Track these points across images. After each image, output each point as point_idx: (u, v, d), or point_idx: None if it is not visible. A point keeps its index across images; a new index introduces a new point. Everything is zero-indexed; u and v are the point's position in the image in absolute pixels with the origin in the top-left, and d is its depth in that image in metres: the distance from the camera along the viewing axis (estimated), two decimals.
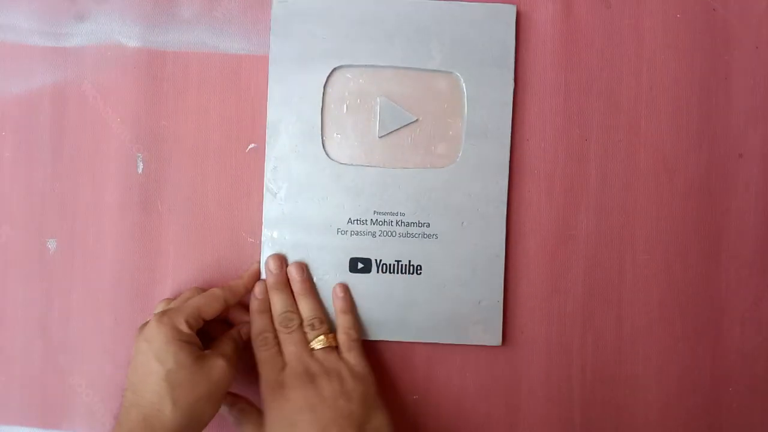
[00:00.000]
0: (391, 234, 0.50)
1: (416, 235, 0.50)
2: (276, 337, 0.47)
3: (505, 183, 0.50)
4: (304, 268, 0.49)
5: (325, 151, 0.50)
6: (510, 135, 0.50)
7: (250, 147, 0.51)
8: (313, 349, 0.47)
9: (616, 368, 0.51)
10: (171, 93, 0.51)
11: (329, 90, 0.50)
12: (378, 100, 0.50)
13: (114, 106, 0.51)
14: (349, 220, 0.50)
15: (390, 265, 0.50)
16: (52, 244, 0.51)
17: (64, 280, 0.51)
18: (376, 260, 0.50)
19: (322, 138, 0.50)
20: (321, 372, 0.45)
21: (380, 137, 0.50)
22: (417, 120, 0.50)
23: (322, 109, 0.50)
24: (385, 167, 0.50)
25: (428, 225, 0.50)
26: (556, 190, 0.51)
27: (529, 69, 0.50)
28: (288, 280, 0.49)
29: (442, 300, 0.50)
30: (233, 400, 0.48)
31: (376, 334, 0.50)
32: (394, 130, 0.50)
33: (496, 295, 0.50)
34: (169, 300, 0.49)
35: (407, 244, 0.50)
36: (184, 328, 0.44)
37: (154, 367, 0.42)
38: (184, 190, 0.51)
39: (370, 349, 0.51)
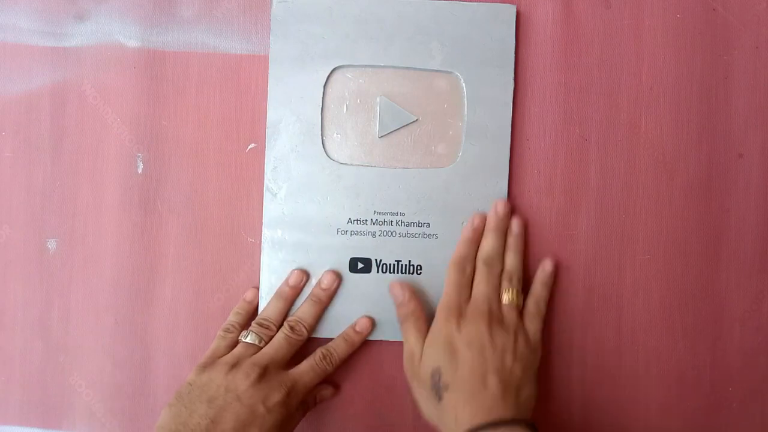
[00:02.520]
0: (391, 234, 0.50)
1: (416, 235, 0.50)
2: (473, 270, 0.48)
3: (505, 183, 0.50)
4: (523, 226, 0.50)
5: (325, 151, 0.50)
6: (510, 135, 0.50)
7: (250, 147, 0.51)
8: (501, 299, 0.47)
9: (616, 368, 0.51)
10: (171, 93, 0.51)
11: (329, 90, 0.50)
12: (378, 100, 0.50)
13: (114, 106, 0.51)
14: (349, 220, 0.50)
15: (390, 265, 0.50)
16: (52, 244, 0.51)
17: (64, 280, 0.51)
18: (376, 260, 0.50)
19: (322, 138, 0.50)
20: (501, 322, 0.46)
21: (380, 137, 0.50)
22: (417, 120, 0.50)
23: (322, 109, 0.50)
24: (385, 167, 0.50)
25: (428, 225, 0.50)
26: (556, 190, 0.51)
27: (529, 69, 0.50)
28: (507, 227, 0.49)
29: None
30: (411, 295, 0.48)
31: (376, 334, 0.50)
32: (394, 130, 0.50)
33: None
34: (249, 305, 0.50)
35: (407, 244, 0.50)
36: (300, 413, 0.47)
37: (257, 417, 0.43)
38: (184, 190, 0.51)
39: (371, 349, 0.51)
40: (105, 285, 0.51)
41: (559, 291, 0.51)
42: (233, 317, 0.49)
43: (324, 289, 0.49)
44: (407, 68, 0.50)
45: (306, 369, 0.47)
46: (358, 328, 0.49)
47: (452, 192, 0.50)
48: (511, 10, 0.50)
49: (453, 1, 0.50)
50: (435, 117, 0.50)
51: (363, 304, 0.50)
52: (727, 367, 0.51)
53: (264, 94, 0.50)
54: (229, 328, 0.48)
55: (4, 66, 0.51)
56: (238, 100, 0.51)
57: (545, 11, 0.50)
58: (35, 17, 0.51)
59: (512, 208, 0.50)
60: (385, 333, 0.50)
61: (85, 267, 0.51)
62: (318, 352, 0.48)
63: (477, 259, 0.48)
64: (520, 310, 0.48)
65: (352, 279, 0.50)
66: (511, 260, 0.49)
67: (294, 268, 0.49)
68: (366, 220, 0.50)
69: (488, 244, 0.48)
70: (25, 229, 0.51)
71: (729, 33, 0.50)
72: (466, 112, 0.50)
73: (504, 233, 0.49)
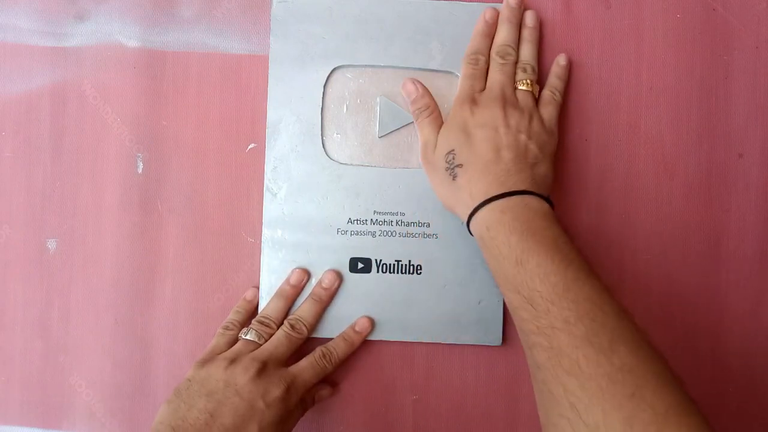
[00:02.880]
0: (391, 234, 0.50)
1: (416, 235, 0.50)
2: (487, 63, 0.48)
3: None
4: (538, 20, 0.49)
5: (325, 151, 0.50)
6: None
7: (250, 147, 0.51)
8: (516, 87, 0.47)
9: None
10: (171, 93, 0.51)
11: (329, 90, 0.50)
12: (378, 100, 0.50)
13: (114, 106, 0.51)
14: (349, 220, 0.50)
15: (390, 265, 0.50)
16: (52, 244, 0.51)
17: (64, 280, 0.51)
18: (376, 260, 0.50)
19: (322, 138, 0.50)
20: (515, 105, 0.46)
21: (380, 137, 0.50)
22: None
23: (322, 109, 0.50)
24: (385, 167, 0.50)
25: (428, 225, 0.50)
26: (556, 190, 0.51)
27: None
28: (520, 18, 0.49)
29: (442, 300, 0.50)
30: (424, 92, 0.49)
31: (376, 334, 0.50)
32: (394, 130, 0.50)
33: (496, 295, 0.50)
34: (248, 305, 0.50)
35: (407, 244, 0.50)
36: (299, 411, 0.47)
37: (256, 413, 0.43)
38: (184, 190, 0.51)
39: (370, 349, 0.51)
40: (105, 285, 0.51)
41: None
42: (233, 315, 0.49)
43: (325, 288, 0.49)
44: (407, 68, 0.50)
45: (305, 366, 0.47)
46: (357, 328, 0.49)
47: None
48: None
49: (453, 1, 0.50)
50: None
51: (363, 304, 0.50)
52: (727, 367, 0.51)
53: (264, 94, 0.50)
54: (228, 326, 0.48)
55: (4, 66, 0.51)
56: (238, 100, 0.51)
57: (545, 11, 0.50)
58: (35, 17, 0.51)
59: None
60: (384, 333, 0.50)
61: (85, 267, 0.51)
62: (318, 351, 0.48)
63: (491, 51, 0.48)
64: (536, 98, 0.48)
65: (352, 279, 0.50)
66: (527, 51, 0.49)
67: (294, 267, 0.49)
68: (366, 220, 0.50)
69: (502, 35, 0.48)
70: (25, 229, 0.51)
71: (729, 33, 0.50)
72: None
73: (518, 25, 0.49)
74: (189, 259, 0.51)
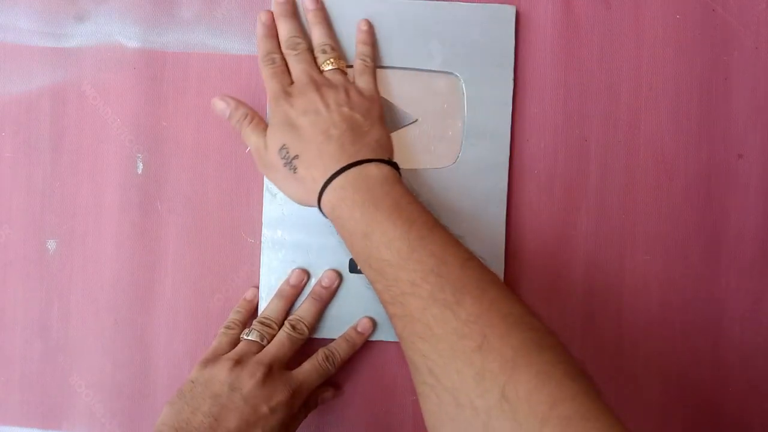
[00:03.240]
0: None
1: None
2: (283, 59, 0.47)
3: (505, 183, 0.50)
4: (319, 1, 0.49)
5: None
6: (510, 135, 0.50)
7: (250, 147, 0.51)
8: (322, 70, 0.47)
9: (616, 368, 0.51)
10: (171, 93, 0.51)
11: None
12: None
13: (114, 106, 0.51)
14: None
15: None
16: (52, 244, 0.51)
17: (64, 280, 0.51)
18: None
19: None
20: (328, 84, 0.46)
21: None
22: (417, 120, 0.50)
23: None
24: None
25: None
26: (556, 190, 0.51)
27: (529, 69, 0.50)
28: (295, 9, 0.49)
29: None
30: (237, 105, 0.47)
31: (376, 334, 0.50)
32: (394, 130, 0.50)
33: None
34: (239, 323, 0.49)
35: None
36: (303, 415, 0.48)
37: (260, 418, 0.43)
38: (184, 190, 0.51)
39: (371, 349, 0.51)
40: (105, 285, 0.51)
41: (559, 291, 0.51)
42: (234, 315, 0.49)
43: (325, 288, 0.49)
44: (407, 68, 0.50)
45: (309, 370, 0.47)
46: (359, 329, 0.49)
47: (452, 192, 0.50)
48: (511, 10, 0.50)
49: (453, 1, 0.50)
50: (435, 117, 0.50)
51: (363, 304, 0.50)
52: (727, 367, 0.51)
53: (264, 94, 0.50)
54: (230, 326, 0.48)
55: (4, 66, 0.51)
56: None
57: (545, 11, 0.50)
58: (35, 17, 0.51)
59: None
60: (385, 334, 0.50)
61: (85, 267, 0.51)
62: (320, 353, 0.48)
63: (282, 47, 0.48)
64: (345, 72, 0.48)
65: (351, 279, 0.50)
66: (317, 33, 0.48)
67: (294, 268, 0.49)
68: None
69: (282, 29, 0.48)
70: (25, 229, 0.51)
71: (729, 33, 0.51)
72: (466, 112, 0.50)
73: (294, 15, 0.48)
74: (189, 259, 0.51)
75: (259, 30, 0.48)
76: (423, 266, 0.37)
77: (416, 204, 0.41)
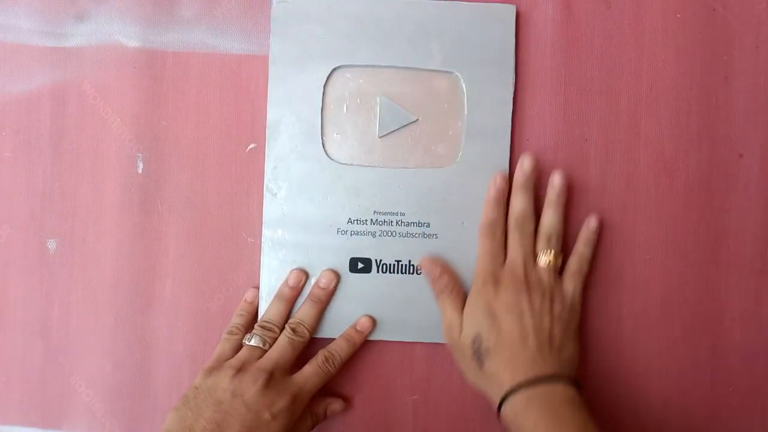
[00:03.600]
0: (391, 234, 0.50)
1: (416, 235, 0.50)
2: (504, 232, 0.48)
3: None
4: (565, 182, 0.48)
5: (325, 151, 0.50)
6: (510, 135, 0.50)
7: (250, 147, 0.51)
8: (537, 263, 0.47)
9: (616, 368, 0.51)
10: (171, 93, 0.51)
11: (329, 90, 0.50)
12: (378, 100, 0.50)
13: (114, 106, 0.51)
14: (349, 220, 0.50)
15: (390, 265, 0.50)
16: (52, 244, 0.51)
17: (64, 280, 0.51)
18: (376, 260, 0.50)
19: (322, 138, 0.50)
20: (537, 286, 0.46)
21: (380, 137, 0.50)
22: (417, 120, 0.50)
23: (322, 109, 0.50)
24: (385, 167, 0.50)
25: (428, 225, 0.50)
26: None
27: (529, 69, 0.50)
28: (533, 183, 0.48)
29: None
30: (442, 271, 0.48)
31: (376, 334, 0.50)
32: (394, 130, 0.50)
33: None
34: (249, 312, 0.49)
35: (407, 244, 0.50)
36: (308, 423, 0.48)
37: (261, 423, 0.43)
38: (184, 190, 0.51)
39: (371, 349, 0.51)
40: (105, 285, 0.51)
41: None
42: (236, 319, 0.49)
43: (323, 289, 0.49)
44: (407, 68, 0.50)
45: (310, 373, 0.47)
46: (359, 328, 0.49)
47: (452, 192, 0.50)
48: (511, 10, 0.50)
49: (453, 1, 0.50)
50: (435, 117, 0.50)
51: (363, 304, 0.50)
52: (727, 367, 0.51)
53: (264, 94, 0.50)
54: (233, 331, 0.48)
55: (4, 66, 0.51)
56: (238, 100, 0.51)
57: (545, 11, 0.50)
58: (35, 17, 0.51)
59: (538, 162, 0.48)
60: (385, 333, 0.50)
61: (85, 267, 0.51)
62: (320, 355, 0.48)
63: (508, 221, 0.48)
64: (560, 270, 0.48)
65: (352, 279, 0.50)
66: (550, 218, 0.48)
67: (294, 268, 0.49)
68: (366, 220, 0.50)
69: (517, 204, 0.48)
70: (25, 229, 0.51)
71: (729, 33, 0.50)
72: (466, 112, 0.50)
73: (532, 190, 0.48)
74: (189, 259, 0.51)
75: (491, 193, 0.48)
76: None
77: (600, 430, 0.42)
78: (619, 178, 0.51)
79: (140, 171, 0.51)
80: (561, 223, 0.48)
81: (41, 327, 0.51)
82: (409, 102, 0.50)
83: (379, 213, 0.50)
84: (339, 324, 0.50)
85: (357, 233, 0.50)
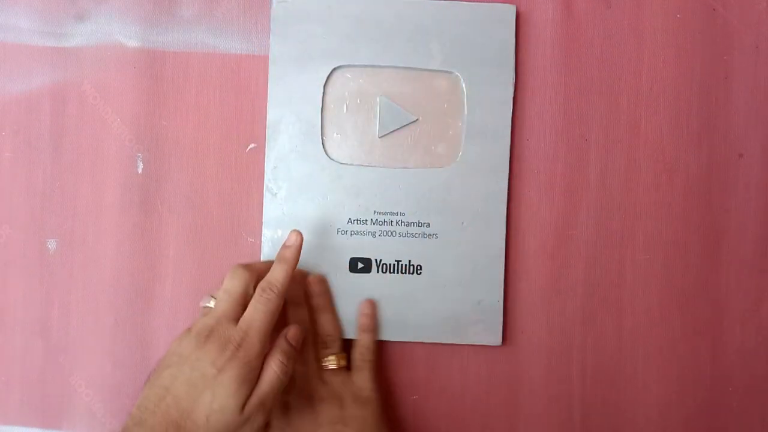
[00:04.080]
0: (391, 234, 0.50)
1: (416, 235, 0.50)
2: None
3: (505, 183, 0.50)
4: (325, 282, 0.49)
5: (325, 151, 0.50)
6: (510, 135, 0.50)
7: (250, 147, 0.51)
8: (324, 367, 0.47)
9: (616, 368, 0.51)
10: (171, 93, 0.51)
11: (329, 90, 0.50)
12: (378, 100, 0.50)
13: (114, 106, 0.51)
14: (349, 220, 0.50)
15: (390, 265, 0.50)
16: (52, 244, 0.51)
17: (64, 280, 0.51)
18: (376, 260, 0.50)
19: (322, 138, 0.50)
20: (325, 397, 0.46)
21: (380, 137, 0.50)
22: (417, 120, 0.50)
23: (322, 109, 0.50)
24: (385, 167, 0.50)
25: (428, 225, 0.50)
26: (556, 190, 0.51)
27: (529, 69, 0.50)
28: (305, 296, 0.48)
29: (441, 300, 0.50)
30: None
31: (376, 334, 0.50)
32: (394, 130, 0.50)
33: (495, 295, 0.50)
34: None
35: (407, 244, 0.50)
36: (275, 370, 0.42)
37: (203, 400, 0.39)
38: (184, 190, 0.51)
39: None
40: (105, 285, 0.51)
41: (559, 291, 0.51)
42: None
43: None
44: (407, 68, 0.50)
45: (250, 312, 0.42)
46: (287, 243, 0.46)
47: (452, 192, 0.50)
48: (511, 10, 0.50)
49: (453, 1, 0.50)
50: (435, 117, 0.50)
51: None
52: (727, 367, 0.51)
53: (264, 94, 0.50)
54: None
55: (4, 66, 0.51)
56: (238, 100, 0.51)
57: (545, 11, 0.50)
58: (35, 17, 0.51)
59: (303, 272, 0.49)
60: (385, 333, 0.50)
61: (85, 267, 0.51)
62: (257, 289, 0.43)
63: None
64: (347, 365, 0.48)
65: (352, 279, 0.50)
66: (323, 321, 0.48)
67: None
68: (366, 220, 0.50)
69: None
70: (25, 229, 0.51)
71: (729, 33, 0.50)
72: (466, 112, 0.50)
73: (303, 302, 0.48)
74: (189, 259, 0.51)
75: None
76: None
77: None
78: (619, 178, 0.51)
79: (140, 171, 0.51)
80: (335, 324, 0.49)
81: (41, 327, 0.51)
82: (409, 102, 0.50)
83: (379, 213, 0.50)
84: (341, 324, 0.50)
85: (357, 233, 0.50)
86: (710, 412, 0.51)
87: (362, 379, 0.48)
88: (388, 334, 0.50)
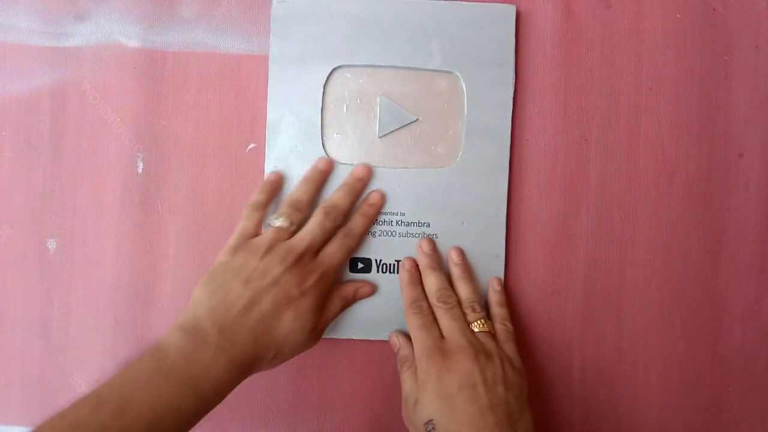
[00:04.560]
0: (391, 234, 0.50)
1: (416, 235, 0.50)
2: (430, 308, 0.47)
3: (505, 183, 0.50)
4: (463, 253, 0.49)
5: (325, 151, 0.50)
6: (510, 135, 0.50)
7: (250, 147, 0.51)
8: (473, 330, 0.46)
9: (616, 368, 0.51)
10: (171, 93, 0.51)
11: (329, 90, 0.50)
12: (378, 100, 0.50)
13: (114, 106, 0.51)
14: None
15: (390, 265, 0.50)
16: (52, 244, 0.51)
17: (64, 280, 0.51)
18: (376, 260, 0.50)
19: (322, 138, 0.50)
20: (483, 351, 0.44)
21: (380, 137, 0.50)
22: (417, 120, 0.50)
23: (322, 109, 0.50)
24: (385, 167, 0.50)
25: (428, 225, 0.50)
26: (556, 190, 0.51)
27: (529, 69, 0.50)
28: (441, 263, 0.49)
29: None
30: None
31: (376, 334, 0.50)
32: (394, 130, 0.50)
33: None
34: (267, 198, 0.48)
35: (407, 244, 0.50)
36: (336, 305, 0.47)
37: (286, 318, 0.43)
38: (184, 190, 0.51)
39: (371, 349, 0.51)
40: (105, 285, 0.51)
41: (559, 291, 0.51)
42: (258, 196, 0.48)
43: (359, 179, 0.49)
44: (407, 68, 0.50)
45: (333, 250, 0.46)
46: (371, 201, 0.49)
47: (452, 192, 0.50)
48: (511, 10, 0.50)
49: (453, 1, 0.50)
50: (435, 117, 0.50)
51: (363, 304, 0.50)
52: (727, 367, 0.51)
53: (264, 94, 0.50)
54: (256, 206, 0.47)
55: (4, 66, 0.51)
56: (238, 100, 0.51)
57: (545, 11, 0.50)
58: (35, 17, 0.51)
59: (433, 239, 0.49)
60: (385, 333, 0.50)
61: (85, 267, 0.51)
62: (340, 233, 0.47)
63: (429, 300, 0.47)
64: (494, 334, 0.47)
65: (352, 279, 0.50)
66: (465, 289, 0.48)
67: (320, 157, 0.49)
68: None
69: (431, 282, 0.48)
70: (25, 229, 0.51)
71: (729, 33, 0.51)
72: (466, 112, 0.50)
73: (440, 267, 0.49)
74: (189, 259, 0.51)
75: (403, 276, 0.48)
76: None
77: None
78: (619, 178, 0.51)
79: (140, 171, 0.51)
80: (477, 291, 0.48)
81: (41, 327, 0.51)
82: (409, 102, 0.50)
83: (380, 213, 0.50)
84: (339, 324, 0.50)
85: None
86: (710, 412, 0.51)
87: (510, 349, 0.46)
88: (388, 334, 0.50)
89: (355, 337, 0.50)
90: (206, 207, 0.51)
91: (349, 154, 0.50)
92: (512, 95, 0.50)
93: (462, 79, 0.50)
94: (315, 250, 0.46)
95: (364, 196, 0.49)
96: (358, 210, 0.49)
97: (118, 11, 0.51)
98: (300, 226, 0.46)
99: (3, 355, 0.51)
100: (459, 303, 0.47)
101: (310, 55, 0.50)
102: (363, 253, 0.50)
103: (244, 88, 0.51)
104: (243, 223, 0.47)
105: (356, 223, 0.48)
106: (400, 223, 0.50)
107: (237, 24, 0.51)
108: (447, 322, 0.46)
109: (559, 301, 0.51)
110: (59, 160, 0.51)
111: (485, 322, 0.46)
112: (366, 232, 0.49)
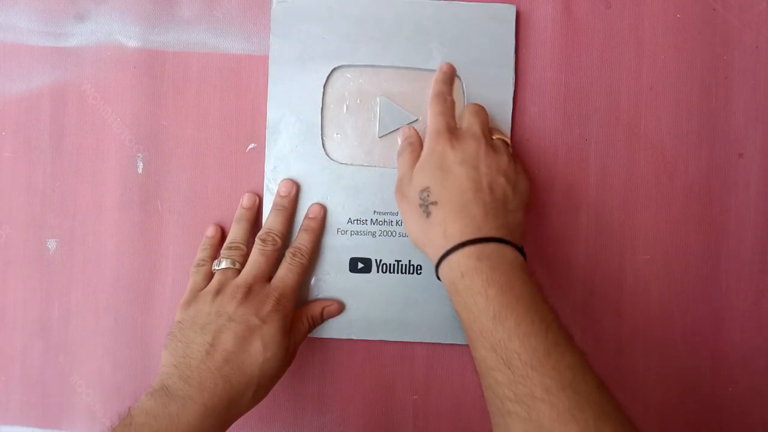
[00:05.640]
0: (391, 234, 0.50)
1: None
2: (453, 103, 0.48)
3: None
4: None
5: (325, 151, 0.50)
6: (510, 135, 0.50)
7: (250, 147, 0.51)
8: (491, 134, 0.47)
9: (616, 368, 0.51)
10: (171, 93, 0.51)
11: (329, 90, 0.50)
12: (378, 100, 0.50)
13: (114, 106, 0.51)
14: (349, 220, 0.50)
15: (390, 265, 0.50)
16: (52, 244, 0.51)
17: (64, 280, 0.51)
18: (376, 260, 0.50)
19: (322, 138, 0.50)
20: (493, 146, 0.45)
21: (380, 137, 0.50)
22: (417, 120, 0.50)
23: (322, 109, 0.50)
24: (385, 167, 0.50)
25: None
26: (556, 190, 0.51)
27: (529, 69, 0.50)
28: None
29: (442, 300, 0.50)
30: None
31: (376, 334, 0.50)
32: (394, 130, 0.50)
33: None
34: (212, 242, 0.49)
35: (407, 244, 0.50)
36: (305, 325, 0.47)
37: (254, 349, 0.43)
38: (184, 190, 0.51)
39: (371, 349, 0.51)
40: (105, 285, 0.51)
41: (559, 291, 0.51)
42: (200, 253, 0.49)
43: (284, 197, 0.49)
44: (407, 68, 0.50)
45: (284, 273, 0.46)
46: (311, 215, 0.49)
47: None
48: (511, 10, 0.50)
49: (453, 1, 0.50)
50: None
51: (363, 304, 0.50)
52: (727, 367, 0.51)
53: (264, 94, 0.50)
54: (199, 263, 0.48)
55: (4, 66, 0.51)
56: (238, 100, 0.51)
57: (545, 11, 0.50)
58: (35, 17, 0.51)
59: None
60: (385, 333, 0.50)
61: (85, 267, 0.51)
62: (287, 254, 0.47)
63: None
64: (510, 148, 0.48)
65: (352, 279, 0.50)
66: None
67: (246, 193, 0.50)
68: (366, 220, 0.50)
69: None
70: (25, 229, 0.51)
71: (729, 33, 0.50)
72: None
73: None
74: (189, 259, 0.51)
75: (438, 74, 0.49)
76: (560, 376, 0.36)
77: (549, 305, 0.40)
78: (619, 178, 0.51)
79: (140, 171, 0.51)
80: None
81: (41, 327, 0.51)
82: (409, 102, 0.50)
83: (379, 213, 0.50)
84: (339, 324, 0.50)
85: (357, 233, 0.50)
86: (710, 412, 0.51)
87: (522, 165, 0.48)
88: (388, 334, 0.50)
89: (355, 337, 0.50)
90: (206, 207, 0.51)
91: (349, 154, 0.50)
92: (512, 95, 0.50)
93: (462, 79, 0.50)
94: (265, 277, 0.46)
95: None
96: (301, 227, 0.49)
97: (118, 11, 0.51)
98: (243, 263, 0.47)
99: (3, 355, 0.51)
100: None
101: (310, 55, 0.50)
102: (363, 253, 0.50)
103: (244, 88, 0.51)
104: (191, 279, 0.48)
105: (301, 239, 0.48)
106: (400, 223, 0.50)
107: (237, 24, 0.51)
108: (470, 118, 0.46)
109: (559, 301, 0.51)
110: (59, 160, 0.51)
111: (505, 137, 0.47)
112: (314, 245, 0.48)
